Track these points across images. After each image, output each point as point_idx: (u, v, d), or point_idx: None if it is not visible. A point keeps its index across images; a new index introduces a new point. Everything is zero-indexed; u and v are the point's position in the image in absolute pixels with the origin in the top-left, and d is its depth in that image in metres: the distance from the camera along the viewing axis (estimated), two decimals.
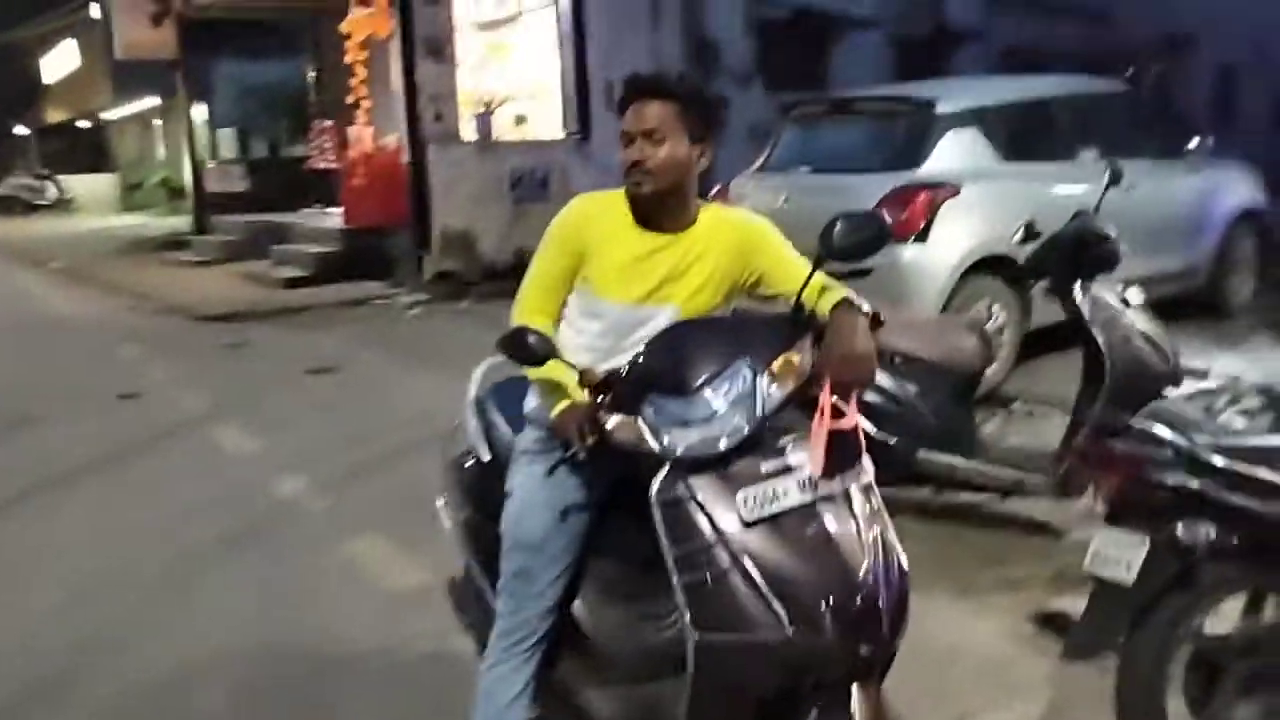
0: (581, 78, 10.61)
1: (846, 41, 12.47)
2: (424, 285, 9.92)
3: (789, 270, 2.20)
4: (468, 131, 10.61)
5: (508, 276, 10.17)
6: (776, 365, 1.92)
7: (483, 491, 2.53)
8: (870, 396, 3.70)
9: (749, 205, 6.08)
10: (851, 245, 2.00)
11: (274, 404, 6.41)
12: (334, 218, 12.26)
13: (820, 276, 2.10)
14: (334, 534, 4.23)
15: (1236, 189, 6.84)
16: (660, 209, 2.16)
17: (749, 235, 2.23)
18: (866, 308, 1.97)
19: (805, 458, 1.84)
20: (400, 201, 10.44)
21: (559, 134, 10.83)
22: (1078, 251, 3.78)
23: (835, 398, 1.84)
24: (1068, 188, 5.68)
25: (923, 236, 5.34)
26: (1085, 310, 3.71)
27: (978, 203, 5.49)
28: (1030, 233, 4.16)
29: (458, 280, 9.88)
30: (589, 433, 1.97)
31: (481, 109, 10.60)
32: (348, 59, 12.07)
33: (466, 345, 7.73)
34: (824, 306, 2.04)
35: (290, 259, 11.69)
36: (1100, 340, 3.67)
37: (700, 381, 1.90)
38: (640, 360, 1.99)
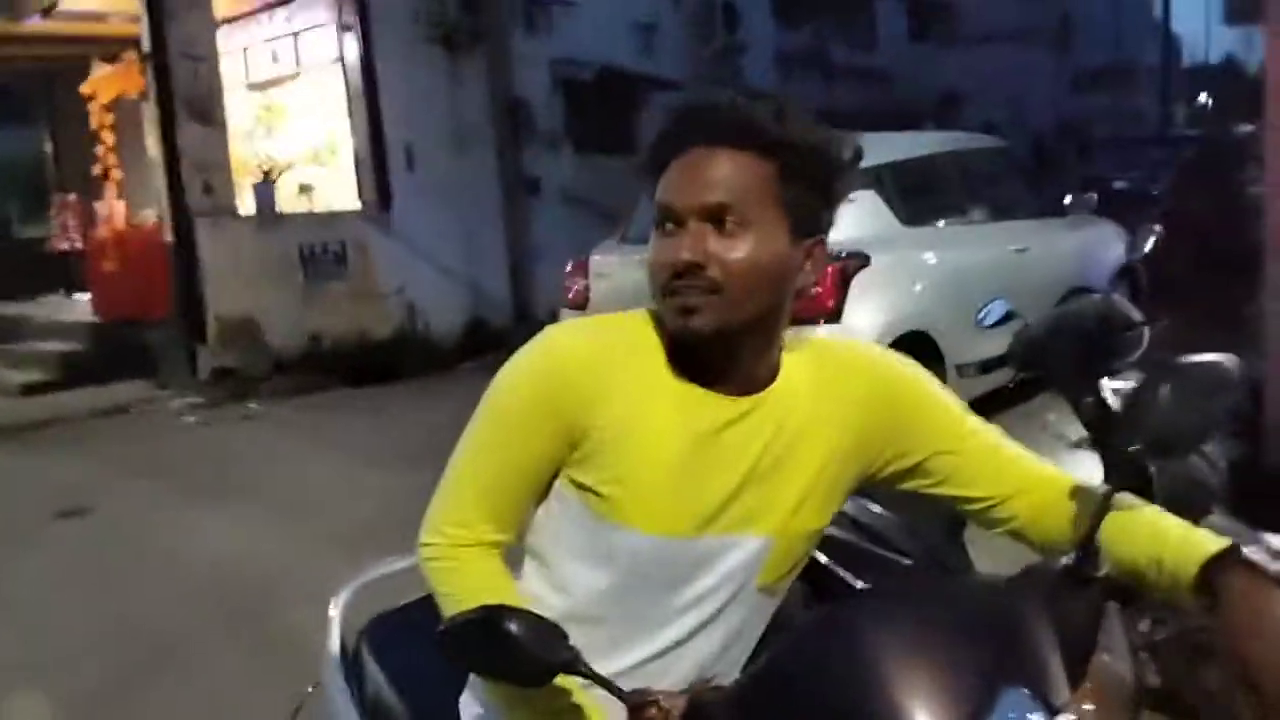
0: (377, 141, 9.42)
1: (652, 102, 11.91)
2: (199, 385, 8.33)
3: (981, 456, 1.30)
4: (245, 205, 9.15)
5: (301, 368, 8.76)
6: (1076, 695, 0.93)
7: None
8: (838, 532, 2.77)
9: (613, 285, 5.10)
10: None
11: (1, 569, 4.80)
12: (82, 307, 10.39)
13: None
14: None
15: (1114, 244, 6.48)
16: (727, 357, 1.24)
17: (890, 390, 1.32)
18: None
19: None
20: (162, 286, 8.82)
21: (354, 204, 9.54)
22: (1098, 339, 2.97)
23: None
24: (972, 253, 5.11)
25: (835, 316, 4.51)
26: (1117, 410, 2.89)
27: (889, 273, 4.76)
28: (1009, 315, 3.36)
29: (241, 377, 8.36)
30: None
31: (261, 178, 9.17)
32: (93, 124, 10.36)
33: (260, 462, 6.30)
34: (1173, 554, 1.12)
35: (26, 360, 9.69)
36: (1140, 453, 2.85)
37: None
38: (769, 672, 0.97)
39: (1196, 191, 9.36)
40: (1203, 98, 39.51)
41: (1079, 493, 1.25)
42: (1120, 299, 3.05)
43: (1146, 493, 2.79)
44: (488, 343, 9.90)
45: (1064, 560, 1.06)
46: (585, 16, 10.77)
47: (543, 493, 1.28)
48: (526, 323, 10.35)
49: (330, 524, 4.81)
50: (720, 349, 1.22)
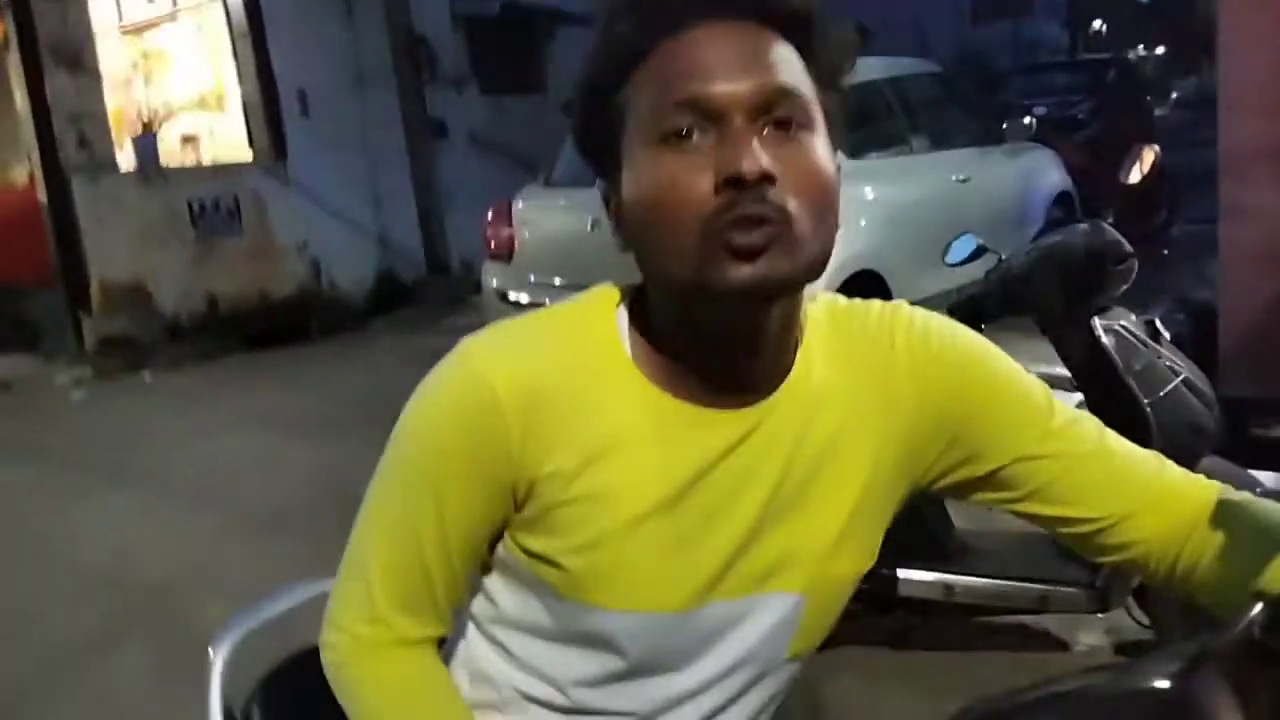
0: (267, 85, 8.75)
1: (561, 37, 11.41)
2: (86, 357, 7.69)
3: (1080, 460, 0.93)
4: (125, 159, 8.44)
5: (199, 333, 8.16)
6: None
7: None
8: None
9: (540, 233, 4.72)
10: None
11: None
12: None
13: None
14: None
15: (1051, 172, 6.32)
16: (749, 341, 0.87)
17: (948, 374, 0.94)
18: None
19: None
20: (40, 251, 8.09)
21: (246, 155, 8.89)
22: (1088, 273, 2.71)
23: None
24: (916, 185, 4.87)
25: None
26: (1113, 352, 2.65)
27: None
28: (979, 251, 3.10)
29: (132, 345, 7.75)
30: None
31: (141, 130, 8.45)
32: None
33: (157, 439, 5.77)
34: None
35: None
36: (1139, 395, 2.62)
37: None
38: None
39: (1120, 113, 9.28)
40: (1096, 24, 40.14)
41: (1236, 513, 0.89)
42: (1109, 228, 2.78)
43: (1145, 438, 2.60)
44: (399, 298, 9.41)
45: (1250, 619, 0.72)
46: None
47: (482, 561, 0.94)
48: (440, 274, 9.87)
49: (241, 507, 4.38)
50: (746, 326, 0.85)
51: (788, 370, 0.90)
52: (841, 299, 0.97)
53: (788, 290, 0.82)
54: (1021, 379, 0.96)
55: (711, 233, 0.78)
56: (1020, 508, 0.95)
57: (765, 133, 0.79)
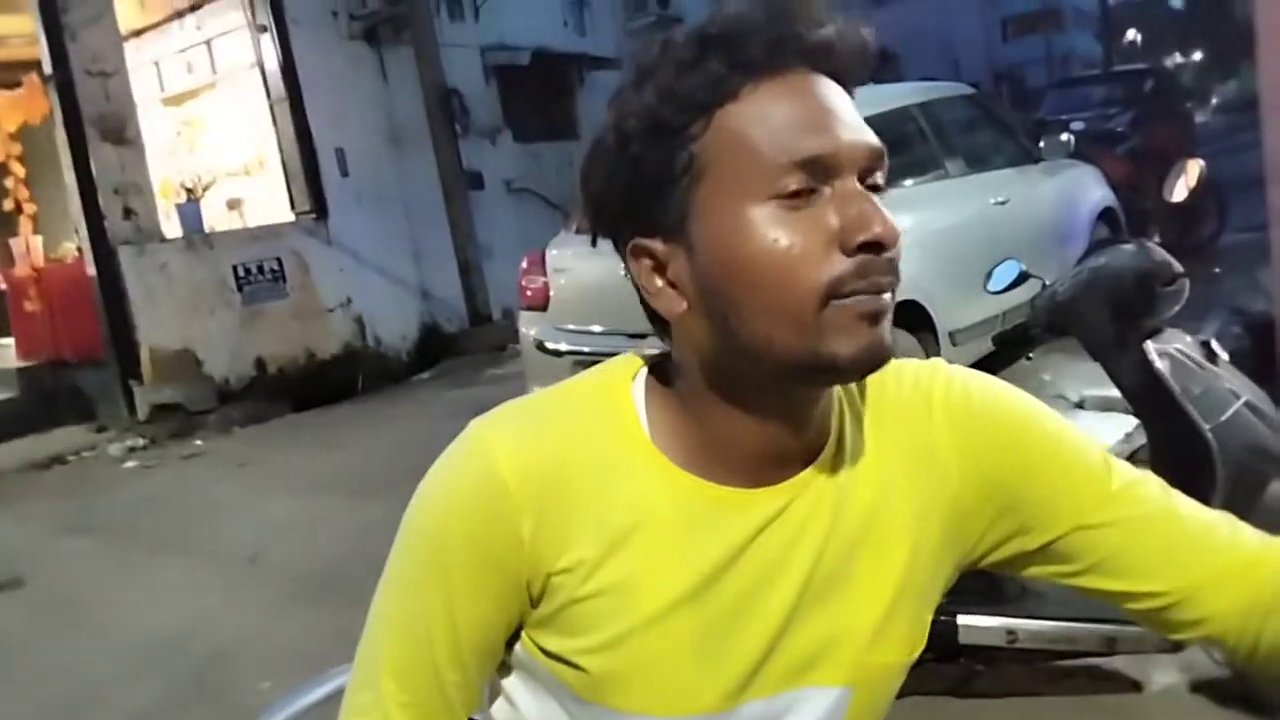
0: (306, 147, 8.89)
1: (591, 83, 11.53)
2: (139, 425, 7.79)
3: (1144, 528, 0.86)
4: (171, 227, 8.60)
5: (248, 396, 8.24)
6: None
7: None
8: None
9: (574, 281, 4.71)
10: None
11: None
12: (6, 352, 9.78)
13: None
14: None
15: (1093, 188, 6.19)
16: (792, 411, 0.82)
17: (996, 437, 0.88)
18: None
19: None
20: (91, 324, 8.25)
21: (288, 215, 9.02)
22: (1138, 297, 2.62)
23: None
24: (954, 210, 4.80)
25: None
26: (1169, 377, 2.55)
27: None
28: (1022, 276, 3.02)
29: (183, 413, 7.85)
30: None
31: (185, 197, 8.62)
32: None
33: (208, 506, 5.79)
34: None
35: None
36: (1199, 422, 2.51)
37: None
38: None
39: (1161, 123, 9.12)
40: (1130, 34, 39.75)
41: None
42: (1156, 248, 2.69)
43: (1209, 465, 2.50)
44: (443, 349, 9.46)
45: None
46: None
47: (499, 659, 0.88)
48: (482, 324, 9.91)
49: (290, 574, 4.38)
50: (809, 397, 0.82)
51: (822, 444, 0.85)
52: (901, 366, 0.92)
53: (890, 359, 0.79)
54: (1075, 439, 0.89)
55: (839, 296, 0.74)
56: (1081, 582, 0.88)
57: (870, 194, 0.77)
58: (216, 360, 8.16)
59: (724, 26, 0.76)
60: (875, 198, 0.76)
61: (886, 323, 0.76)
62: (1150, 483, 0.88)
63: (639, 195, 0.79)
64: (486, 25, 10.36)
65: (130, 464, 7.12)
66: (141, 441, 7.52)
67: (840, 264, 0.73)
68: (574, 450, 0.82)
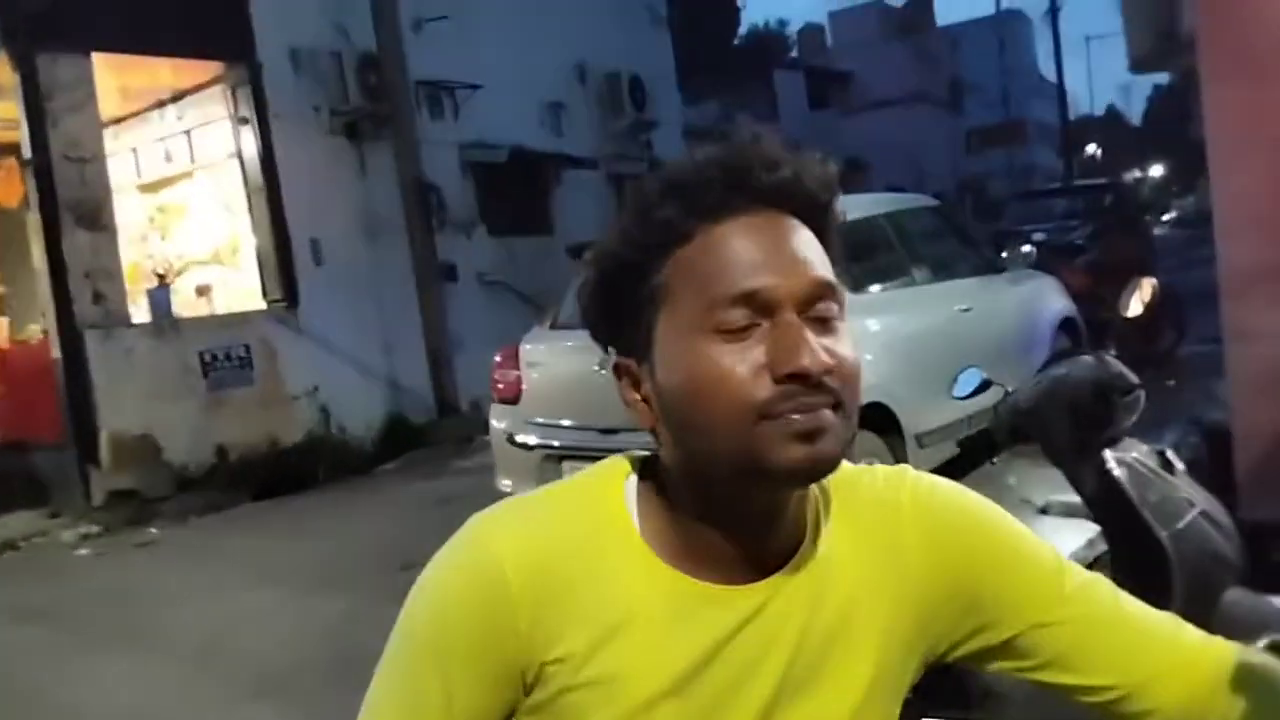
0: (280, 236, 8.95)
1: (567, 180, 11.73)
2: (94, 512, 7.64)
3: (1096, 626, 0.94)
4: (139, 312, 8.57)
5: (207, 484, 8.09)
6: None
7: None
8: None
9: (548, 375, 4.73)
10: None
11: None
12: None
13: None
14: None
15: (1054, 299, 6.34)
16: (768, 517, 0.89)
17: (959, 540, 0.94)
18: None
19: None
20: (51, 407, 8.14)
21: (259, 303, 9.03)
22: (1096, 407, 2.67)
23: None
24: (919, 316, 4.90)
25: None
26: (1127, 485, 2.58)
27: None
28: (985, 384, 3.07)
29: (140, 500, 7.71)
30: None
31: (156, 282, 8.61)
32: None
33: (161, 598, 5.63)
34: None
35: None
36: (1156, 529, 2.54)
37: None
38: None
39: (1119, 236, 9.38)
40: (1091, 148, 41.15)
41: (1257, 677, 0.91)
42: (1114, 360, 2.76)
43: (1165, 571, 2.52)
44: (409, 440, 9.39)
45: None
46: (492, 98, 10.52)
47: None
48: (449, 415, 9.87)
49: (244, 668, 4.26)
50: (774, 504, 0.87)
51: (798, 543, 0.90)
52: (846, 463, 0.96)
53: (834, 469, 0.84)
54: (1031, 543, 0.96)
55: (769, 417, 0.80)
56: (1039, 676, 0.94)
57: (806, 325, 0.82)
58: (177, 446, 8.06)
59: (683, 174, 0.85)
60: (824, 326, 0.82)
61: (829, 436, 0.81)
62: (1101, 585, 0.96)
63: (615, 321, 0.89)
64: (466, 123, 10.56)
65: (83, 551, 6.96)
66: (95, 529, 7.35)
67: (768, 389, 0.80)
68: (570, 546, 0.87)
